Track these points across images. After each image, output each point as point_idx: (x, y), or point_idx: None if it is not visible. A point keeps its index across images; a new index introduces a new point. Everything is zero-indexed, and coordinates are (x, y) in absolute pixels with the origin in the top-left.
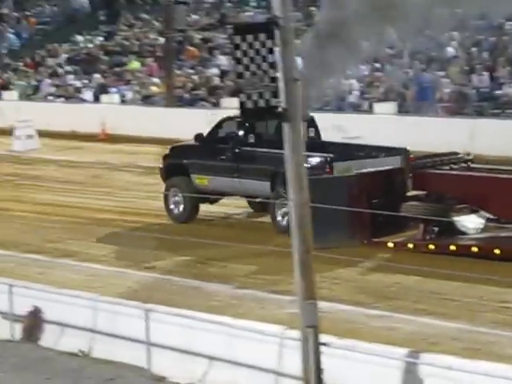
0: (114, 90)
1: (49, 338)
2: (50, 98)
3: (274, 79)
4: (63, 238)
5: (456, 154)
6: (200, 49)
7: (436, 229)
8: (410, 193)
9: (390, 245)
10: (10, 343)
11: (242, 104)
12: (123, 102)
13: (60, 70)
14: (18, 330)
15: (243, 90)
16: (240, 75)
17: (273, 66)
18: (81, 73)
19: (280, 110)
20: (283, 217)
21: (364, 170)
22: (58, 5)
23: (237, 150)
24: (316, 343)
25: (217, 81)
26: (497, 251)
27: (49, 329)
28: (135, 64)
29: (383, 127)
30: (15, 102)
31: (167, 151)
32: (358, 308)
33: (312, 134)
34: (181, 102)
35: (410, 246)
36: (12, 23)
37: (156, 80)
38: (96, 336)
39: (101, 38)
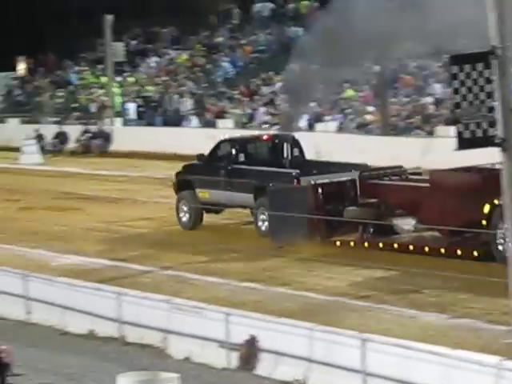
0: (328, 118)
1: (265, 366)
2: (265, 126)
3: (491, 109)
4: (278, 267)
5: (400, 167)
6: (415, 77)
7: (371, 230)
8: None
9: (338, 243)
10: (225, 371)
11: (459, 134)
12: (338, 130)
13: (275, 99)
14: (234, 359)
15: (460, 119)
16: (457, 105)
17: (490, 95)
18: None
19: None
20: (263, 223)
21: (319, 181)
22: (272, 33)
23: (229, 168)
24: None
25: (431, 109)
26: (411, 247)
27: (265, 358)
28: (350, 92)
29: None
30: (230, 130)
31: (180, 169)
32: None
33: (296, 154)
34: (395, 131)
35: (352, 244)
36: (227, 52)
37: (371, 108)
38: (312, 365)
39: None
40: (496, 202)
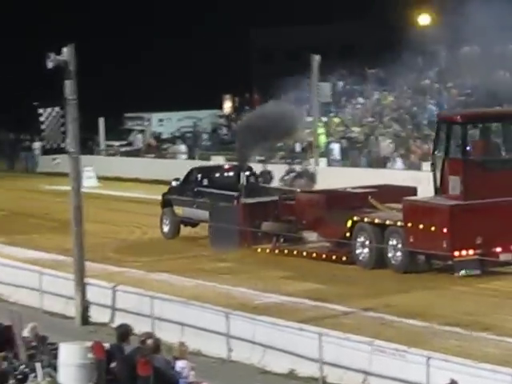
0: None
1: None
2: None
3: None
4: (479, 311)
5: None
6: None
7: (282, 240)
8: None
9: (259, 250)
10: None
11: None
12: None
13: None
14: None
15: None
16: None
17: None
18: None
19: None
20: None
21: (248, 201)
22: (479, 77)
23: (195, 190)
24: None
25: None
26: (304, 254)
27: None
28: None
29: None
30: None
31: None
32: None
33: (252, 181)
34: None
35: (267, 250)
36: (433, 94)
37: None
38: None
39: None
40: (355, 218)
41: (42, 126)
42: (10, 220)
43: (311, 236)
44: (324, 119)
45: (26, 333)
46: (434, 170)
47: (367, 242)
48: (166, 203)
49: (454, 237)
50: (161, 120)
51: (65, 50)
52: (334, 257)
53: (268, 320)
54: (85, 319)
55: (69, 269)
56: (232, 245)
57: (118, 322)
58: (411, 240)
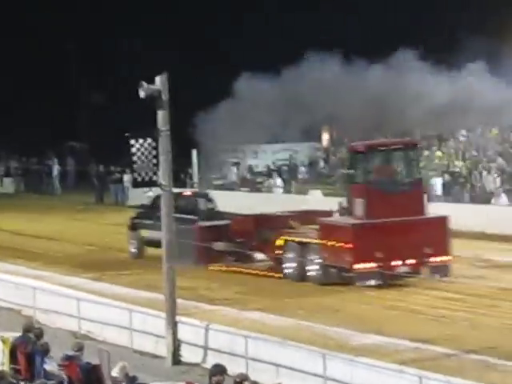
0: None
1: None
2: None
3: None
4: None
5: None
6: None
7: (233, 258)
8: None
9: (211, 268)
10: None
11: None
12: None
13: None
14: None
15: None
16: None
17: None
18: None
19: None
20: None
21: (205, 223)
22: None
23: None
24: None
25: None
26: (249, 270)
27: None
28: None
29: None
30: None
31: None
32: None
33: (210, 206)
34: None
35: (221, 268)
36: None
37: None
38: None
39: None
40: (285, 237)
41: (134, 158)
42: (98, 255)
43: (260, 255)
44: (426, 153)
45: (114, 372)
46: (346, 194)
47: (295, 259)
48: (133, 227)
49: (355, 251)
50: (255, 152)
51: (157, 79)
52: (271, 273)
53: (366, 361)
54: (176, 359)
55: (159, 306)
56: (190, 262)
57: (210, 362)
58: (324, 255)
